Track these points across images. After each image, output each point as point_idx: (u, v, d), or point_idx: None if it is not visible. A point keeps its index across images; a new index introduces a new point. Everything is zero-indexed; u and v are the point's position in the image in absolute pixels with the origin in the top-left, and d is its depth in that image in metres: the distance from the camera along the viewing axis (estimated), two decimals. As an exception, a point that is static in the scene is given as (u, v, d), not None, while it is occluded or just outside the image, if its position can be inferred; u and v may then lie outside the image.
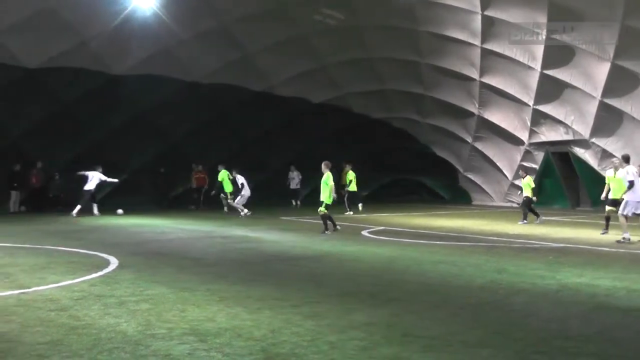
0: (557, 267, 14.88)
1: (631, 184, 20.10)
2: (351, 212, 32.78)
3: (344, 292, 11.80)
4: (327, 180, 23.51)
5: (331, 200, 23.61)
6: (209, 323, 9.23)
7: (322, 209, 23.40)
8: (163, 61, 34.00)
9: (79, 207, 31.65)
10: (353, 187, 34.18)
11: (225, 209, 34.65)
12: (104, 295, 11.23)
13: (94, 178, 32.27)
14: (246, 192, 32.61)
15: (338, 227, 23.87)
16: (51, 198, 35.48)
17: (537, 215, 28.24)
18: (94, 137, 35.74)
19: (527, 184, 29.11)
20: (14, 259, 15.81)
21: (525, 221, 27.87)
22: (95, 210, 32.36)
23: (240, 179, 32.98)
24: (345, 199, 33.74)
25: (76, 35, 30.67)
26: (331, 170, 23.95)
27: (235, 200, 32.93)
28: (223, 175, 34.29)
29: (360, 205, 34.41)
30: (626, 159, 21.01)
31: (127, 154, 36.90)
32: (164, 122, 37.51)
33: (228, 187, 34.28)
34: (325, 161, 24.13)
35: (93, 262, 15.39)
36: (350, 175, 34.37)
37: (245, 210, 32.12)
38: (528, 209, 28.73)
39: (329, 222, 23.46)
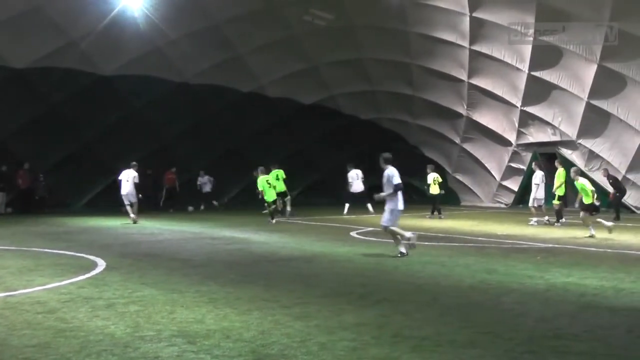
0: (545, 267, 14.90)
1: (397, 187, 17.19)
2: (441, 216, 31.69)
3: (333, 293, 11.79)
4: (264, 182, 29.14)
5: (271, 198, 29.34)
6: (198, 325, 9.21)
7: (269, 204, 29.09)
8: (152, 62, 33.99)
9: (347, 206, 33.27)
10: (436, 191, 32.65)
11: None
12: (92, 298, 11.18)
13: (357, 178, 33.59)
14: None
15: (274, 221, 28.47)
16: (37, 200, 35.40)
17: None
18: (82, 138, 35.72)
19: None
20: (1, 261, 15.72)
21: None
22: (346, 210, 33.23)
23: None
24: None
25: (64, 35, 30.60)
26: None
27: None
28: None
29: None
30: (386, 160, 18.10)
31: (116, 154, 36.80)
32: (154, 122, 37.45)
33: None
34: (260, 167, 29.74)
35: (81, 264, 15.33)
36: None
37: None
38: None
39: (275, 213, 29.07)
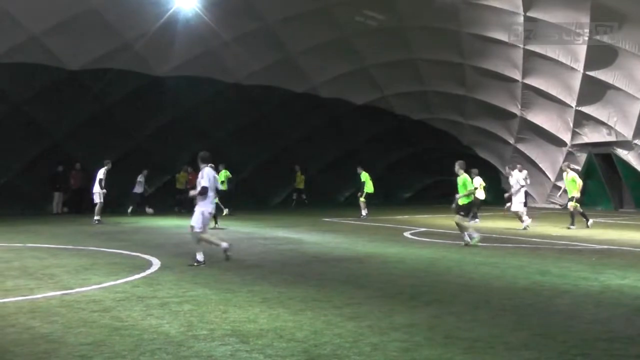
0: (600, 269, 14.76)
1: (202, 190, 15.96)
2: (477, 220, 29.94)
3: (385, 294, 11.79)
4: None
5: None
6: (251, 324, 9.27)
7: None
8: (205, 62, 34.15)
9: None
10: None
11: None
12: (146, 297, 11.30)
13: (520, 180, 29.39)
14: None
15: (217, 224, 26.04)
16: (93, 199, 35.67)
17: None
18: (136, 138, 35.96)
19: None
20: (58, 260, 15.95)
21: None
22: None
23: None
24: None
25: (119, 37, 30.85)
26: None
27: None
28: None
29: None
30: (203, 159, 16.69)
31: (169, 155, 37.10)
32: (206, 123, 37.65)
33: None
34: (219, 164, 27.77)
35: (135, 263, 15.49)
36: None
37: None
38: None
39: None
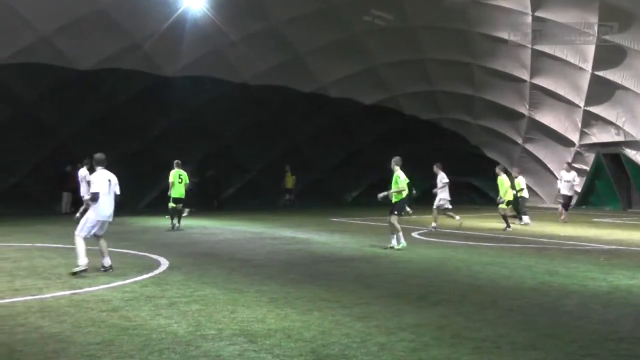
0: (608, 269, 14.75)
1: (93, 197, 14.53)
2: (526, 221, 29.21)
3: (393, 294, 11.80)
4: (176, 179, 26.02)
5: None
6: (259, 324, 9.29)
7: (172, 204, 25.86)
8: (213, 62, 34.19)
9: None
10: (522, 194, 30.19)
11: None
12: (154, 296, 11.33)
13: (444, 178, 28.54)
14: None
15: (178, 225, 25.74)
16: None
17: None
18: (144, 138, 35.97)
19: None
20: (66, 260, 15.94)
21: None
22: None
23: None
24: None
25: (128, 37, 30.91)
26: None
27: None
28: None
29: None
30: (97, 161, 15.36)
31: (177, 155, 37.05)
32: (212, 123, 37.67)
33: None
34: (177, 160, 26.66)
35: (144, 263, 15.53)
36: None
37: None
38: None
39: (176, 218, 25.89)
